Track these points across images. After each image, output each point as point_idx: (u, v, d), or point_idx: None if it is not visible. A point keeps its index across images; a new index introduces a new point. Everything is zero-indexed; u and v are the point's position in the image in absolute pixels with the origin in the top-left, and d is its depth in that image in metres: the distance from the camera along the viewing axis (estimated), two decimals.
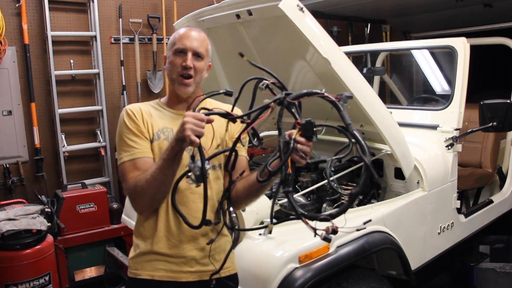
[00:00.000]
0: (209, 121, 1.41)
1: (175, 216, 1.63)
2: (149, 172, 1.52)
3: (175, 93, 1.72)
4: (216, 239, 1.68)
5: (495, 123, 2.67)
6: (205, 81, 1.74)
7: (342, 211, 1.22)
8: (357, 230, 1.28)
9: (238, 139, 1.50)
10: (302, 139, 1.30)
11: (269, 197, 2.14)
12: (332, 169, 2.67)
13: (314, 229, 1.24)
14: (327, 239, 1.24)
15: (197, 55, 1.66)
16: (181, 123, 1.38)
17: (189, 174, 1.44)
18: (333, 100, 1.28)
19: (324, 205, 2.58)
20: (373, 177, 1.10)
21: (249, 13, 2.25)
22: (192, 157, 1.39)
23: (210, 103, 1.76)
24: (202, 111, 1.41)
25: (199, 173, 1.36)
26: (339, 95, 1.29)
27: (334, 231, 1.24)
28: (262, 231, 2.04)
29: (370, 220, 1.77)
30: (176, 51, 1.65)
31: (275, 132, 1.29)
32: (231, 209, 1.83)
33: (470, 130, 2.81)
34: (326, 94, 1.29)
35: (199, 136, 1.36)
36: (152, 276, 1.64)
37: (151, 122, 1.67)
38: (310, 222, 1.24)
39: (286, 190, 1.28)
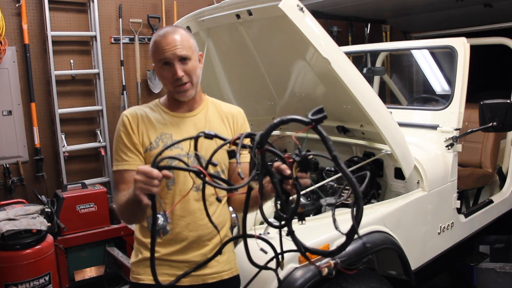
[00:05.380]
0: (167, 177, 1.24)
1: (179, 223, 1.62)
2: (122, 199, 1.47)
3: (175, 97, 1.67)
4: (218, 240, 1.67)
5: (495, 123, 2.67)
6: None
7: (343, 247, 1.12)
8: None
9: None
10: (302, 174, 1.20)
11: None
12: (332, 169, 2.67)
13: (317, 266, 1.17)
14: (330, 275, 1.18)
15: (183, 59, 1.57)
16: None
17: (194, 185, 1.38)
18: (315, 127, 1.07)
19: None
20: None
21: (249, 13, 2.25)
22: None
23: (213, 103, 1.76)
24: (163, 162, 1.23)
25: (151, 229, 1.22)
26: (309, 119, 1.06)
27: (336, 267, 1.16)
28: (262, 230, 2.04)
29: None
30: (162, 64, 1.58)
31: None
32: (230, 208, 1.83)
33: (470, 130, 2.80)
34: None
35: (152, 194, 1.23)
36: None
37: (147, 130, 1.62)
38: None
39: (290, 230, 1.22)
